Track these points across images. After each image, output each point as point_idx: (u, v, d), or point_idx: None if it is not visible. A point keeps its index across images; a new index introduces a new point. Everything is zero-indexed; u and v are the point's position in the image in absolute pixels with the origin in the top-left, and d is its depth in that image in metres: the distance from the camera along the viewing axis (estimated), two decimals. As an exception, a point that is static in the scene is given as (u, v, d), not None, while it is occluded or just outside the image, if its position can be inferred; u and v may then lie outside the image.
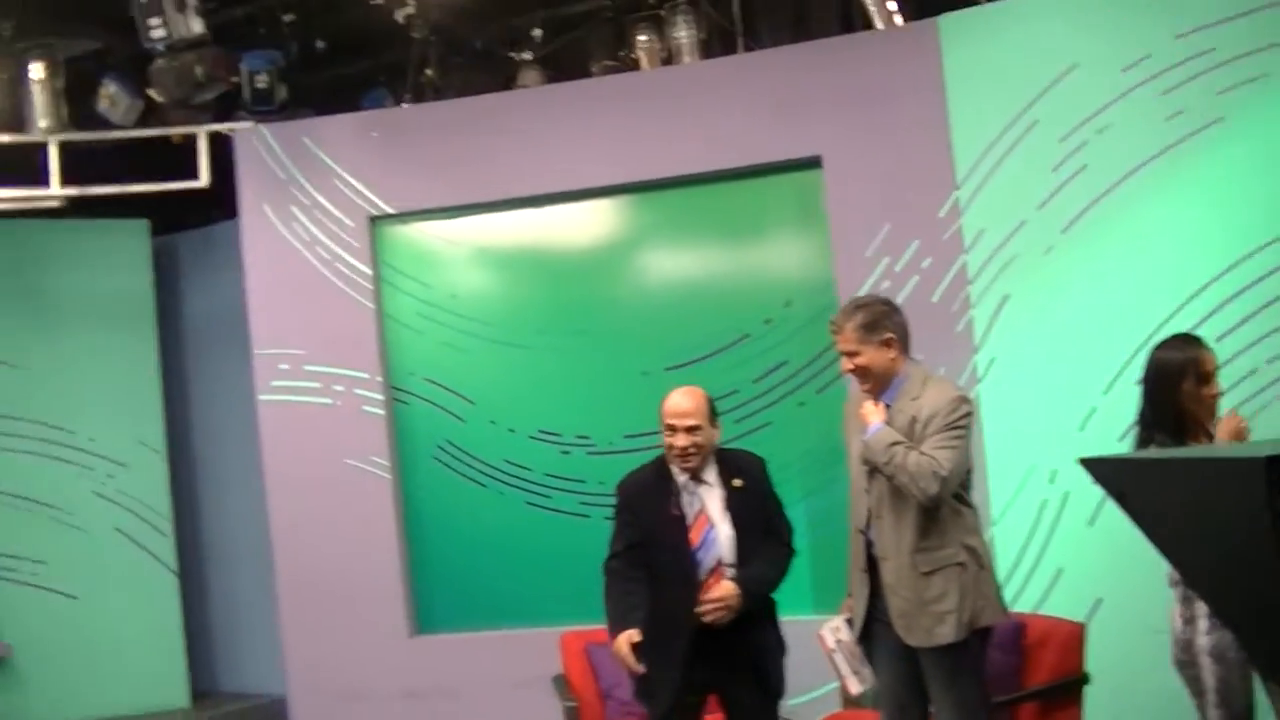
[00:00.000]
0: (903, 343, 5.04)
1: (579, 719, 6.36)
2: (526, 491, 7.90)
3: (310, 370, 8.07)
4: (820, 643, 5.19)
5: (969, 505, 4.98)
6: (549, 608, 7.57)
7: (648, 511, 5.26)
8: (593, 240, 7.94)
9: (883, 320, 5.01)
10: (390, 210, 8.04)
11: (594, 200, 7.88)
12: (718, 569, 5.15)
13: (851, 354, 5.00)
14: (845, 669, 5.16)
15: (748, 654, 5.21)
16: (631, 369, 7.63)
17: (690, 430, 5.19)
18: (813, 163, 7.36)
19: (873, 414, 4.95)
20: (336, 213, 8.06)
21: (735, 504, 5.22)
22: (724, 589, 5.10)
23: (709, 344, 7.57)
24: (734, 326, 7.57)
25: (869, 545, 5.03)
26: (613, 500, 5.47)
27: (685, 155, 7.59)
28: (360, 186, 8.04)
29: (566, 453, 7.83)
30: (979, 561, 4.90)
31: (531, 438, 7.90)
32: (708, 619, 5.09)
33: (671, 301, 7.73)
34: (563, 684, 6.58)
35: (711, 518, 5.20)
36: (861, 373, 5.01)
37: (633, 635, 5.08)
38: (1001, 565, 6.65)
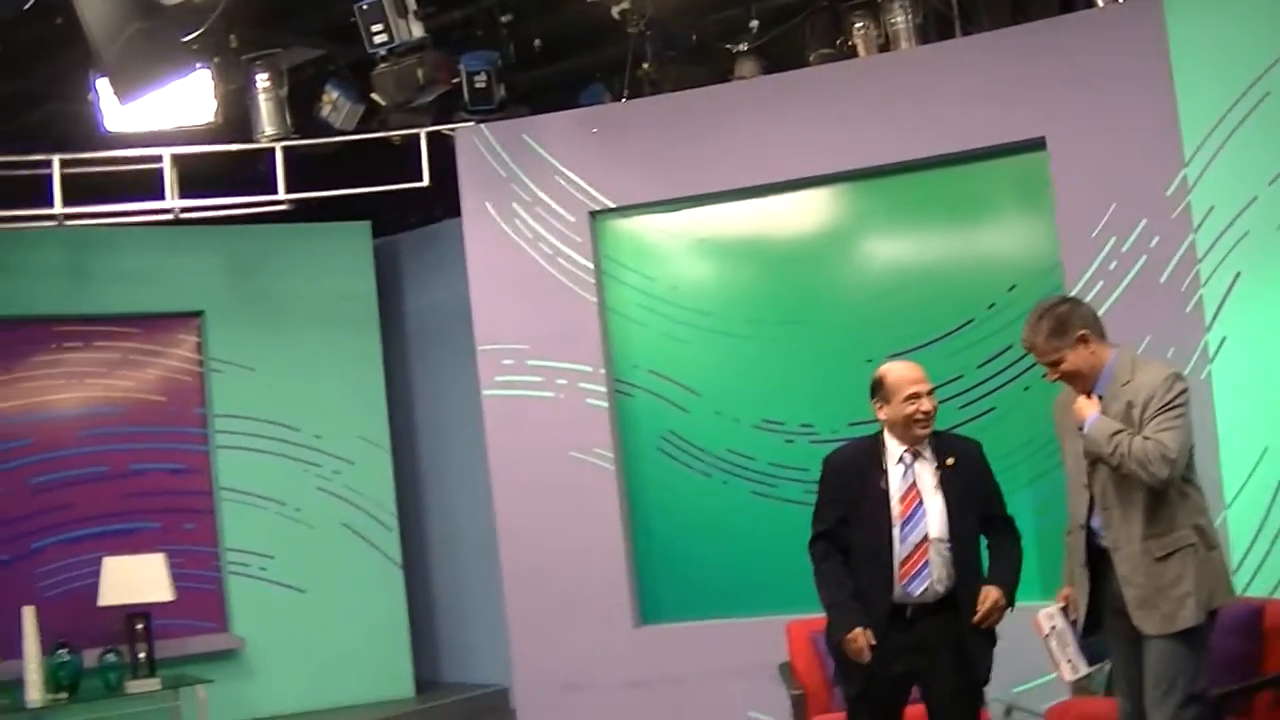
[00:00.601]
0: (1097, 333, 5.16)
1: (805, 707, 6.62)
2: (751, 481, 8.21)
3: (533, 365, 8.52)
4: (1036, 628, 5.41)
5: (1195, 485, 5.11)
6: (774, 596, 7.80)
7: (853, 485, 5.47)
8: (814, 229, 8.23)
9: (1070, 319, 5.14)
10: (610, 204, 8.46)
11: (814, 189, 8.17)
12: (924, 544, 5.33)
13: (1054, 363, 5.16)
14: (1059, 655, 5.36)
15: (948, 642, 5.37)
16: (855, 356, 7.76)
17: (932, 393, 5.43)
18: (1036, 144, 7.57)
19: (1087, 407, 5.09)
20: (557, 208, 8.51)
21: (948, 481, 5.40)
22: (989, 598, 5.30)
23: (932, 330, 7.80)
24: (958, 312, 7.79)
25: (1089, 538, 5.21)
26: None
27: (905, 141, 7.85)
28: (580, 182, 8.49)
29: (791, 441, 8.12)
30: (1207, 542, 5.04)
31: (755, 427, 8.21)
32: (986, 625, 5.34)
33: (894, 288, 7.97)
34: (788, 672, 6.91)
35: (922, 493, 5.39)
36: (1070, 377, 5.17)
37: (869, 635, 5.29)
38: (1235, 549, 6.84)
